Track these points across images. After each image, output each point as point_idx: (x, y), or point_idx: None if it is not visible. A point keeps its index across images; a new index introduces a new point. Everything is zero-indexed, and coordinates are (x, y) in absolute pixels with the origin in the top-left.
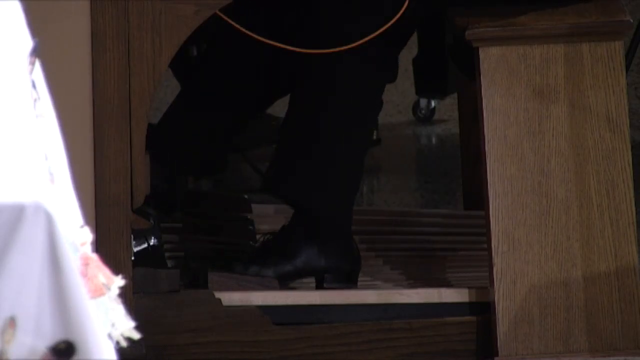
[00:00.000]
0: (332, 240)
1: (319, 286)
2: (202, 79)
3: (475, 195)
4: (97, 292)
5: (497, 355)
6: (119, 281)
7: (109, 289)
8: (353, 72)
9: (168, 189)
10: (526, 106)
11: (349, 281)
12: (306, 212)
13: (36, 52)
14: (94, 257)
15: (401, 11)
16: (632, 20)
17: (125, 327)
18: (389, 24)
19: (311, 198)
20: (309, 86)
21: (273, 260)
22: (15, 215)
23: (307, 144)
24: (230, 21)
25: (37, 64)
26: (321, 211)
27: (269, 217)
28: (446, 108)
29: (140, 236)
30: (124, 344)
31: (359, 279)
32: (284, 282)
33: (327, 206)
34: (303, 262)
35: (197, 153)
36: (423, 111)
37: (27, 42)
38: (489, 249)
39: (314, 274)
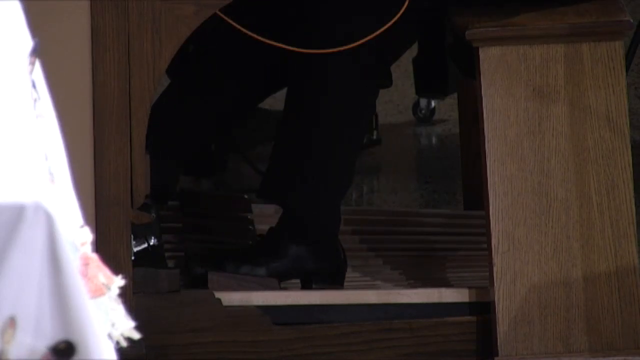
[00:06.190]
0: (318, 242)
1: (305, 287)
2: (194, 73)
3: (475, 195)
4: (97, 292)
5: (497, 355)
6: (119, 281)
7: (109, 289)
8: (345, 76)
9: (160, 179)
10: (526, 106)
11: (334, 282)
12: (294, 214)
13: (36, 52)
14: (94, 257)
15: (399, 14)
16: (632, 20)
17: (125, 327)
18: (384, 28)
19: (298, 200)
20: (300, 89)
21: (264, 260)
22: (15, 215)
23: (296, 147)
24: (229, 20)
25: (37, 64)
26: (307, 213)
27: (269, 217)
28: (446, 108)
29: (140, 236)
30: (124, 344)
31: (359, 279)
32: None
33: (313, 209)
34: (292, 262)
35: (193, 151)
36: (423, 111)
37: (27, 42)
38: (489, 249)
39: (302, 274)
